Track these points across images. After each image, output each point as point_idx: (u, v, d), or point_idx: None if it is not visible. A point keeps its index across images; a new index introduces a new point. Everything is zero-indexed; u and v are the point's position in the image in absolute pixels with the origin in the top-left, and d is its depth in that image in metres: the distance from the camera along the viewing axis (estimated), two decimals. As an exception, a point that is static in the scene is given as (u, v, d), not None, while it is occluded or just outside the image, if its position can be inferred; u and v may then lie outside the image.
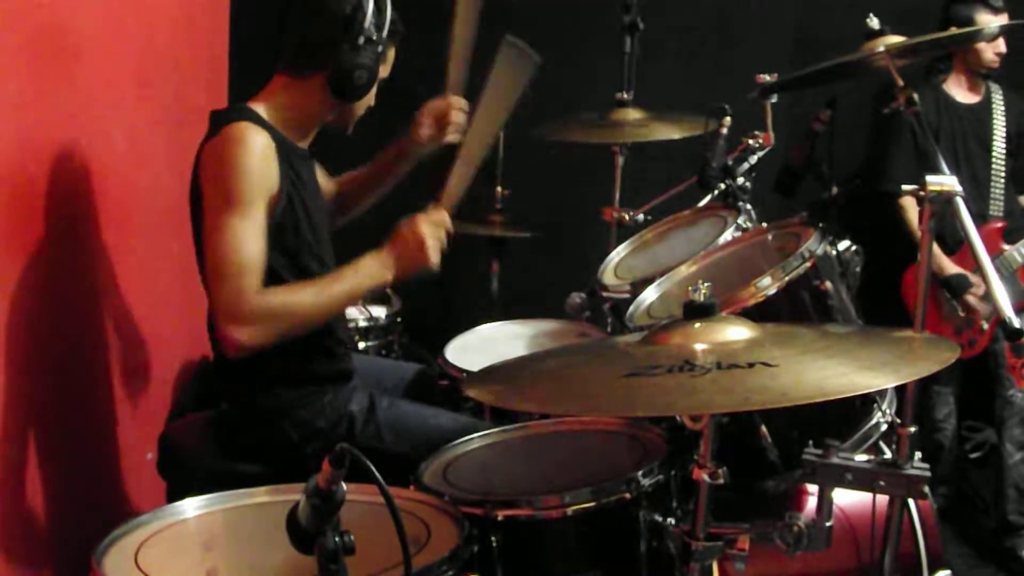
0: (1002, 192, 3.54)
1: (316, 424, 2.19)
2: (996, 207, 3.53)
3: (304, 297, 2.08)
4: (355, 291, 2.15)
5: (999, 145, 3.55)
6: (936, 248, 3.43)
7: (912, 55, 2.16)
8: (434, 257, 2.14)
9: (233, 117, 2.10)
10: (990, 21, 3.41)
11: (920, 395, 3.32)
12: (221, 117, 2.12)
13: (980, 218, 3.47)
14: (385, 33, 2.15)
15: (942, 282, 3.43)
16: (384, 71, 2.23)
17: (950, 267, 3.44)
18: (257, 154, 2.05)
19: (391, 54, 2.25)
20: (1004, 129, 3.57)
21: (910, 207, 3.44)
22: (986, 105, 3.59)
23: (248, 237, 2.02)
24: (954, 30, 3.40)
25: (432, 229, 2.15)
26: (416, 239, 2.13)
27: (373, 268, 2.13)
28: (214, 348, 2.36)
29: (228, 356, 2.04)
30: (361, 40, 2.12)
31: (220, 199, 2.03)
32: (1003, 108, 3.59)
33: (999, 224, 3.48)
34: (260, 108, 2.16)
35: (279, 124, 2.16)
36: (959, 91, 3.59)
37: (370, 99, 2.26)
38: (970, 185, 3.49)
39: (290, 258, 2.15)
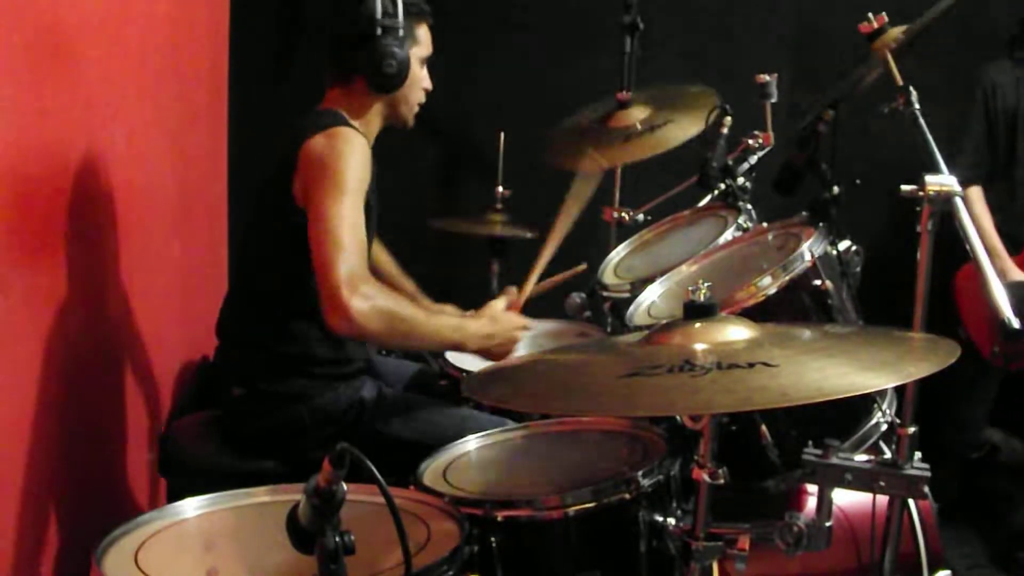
0: None
1: (329, 409, 2.24)
2: None
3: (409, 307, 2.15)
4: (447, 337, 2.19)
5: None
6: (999, 246, 3.17)
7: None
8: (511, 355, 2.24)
9: (339, 121, 2.19)
10: None
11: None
12: (323, 118, 2.20)
13: None
14: (400, 16, 2.20)
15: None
16: (421, 51, 2.30)
17: (1014, 272, 3.13)
18: (365, 154, 2.16)
19: (420, 33, 2.30)
20: None
21: (976, 199, 3.18)
22: None
23: (360, 221, 2.08)
24: None
25: (520, 332, 2.27)
26: (511, 342, 2.24)
27: (466, 332, 2.18)
28: (220, 339, 2.38)
29: (337, 329, 2.02)
30: (379, 30, 2.18)
31: (332, 185, 2.08)
32: None
33: None
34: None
35: None
36: None
37: (422, 81, 2.34)
38: None
39: None
